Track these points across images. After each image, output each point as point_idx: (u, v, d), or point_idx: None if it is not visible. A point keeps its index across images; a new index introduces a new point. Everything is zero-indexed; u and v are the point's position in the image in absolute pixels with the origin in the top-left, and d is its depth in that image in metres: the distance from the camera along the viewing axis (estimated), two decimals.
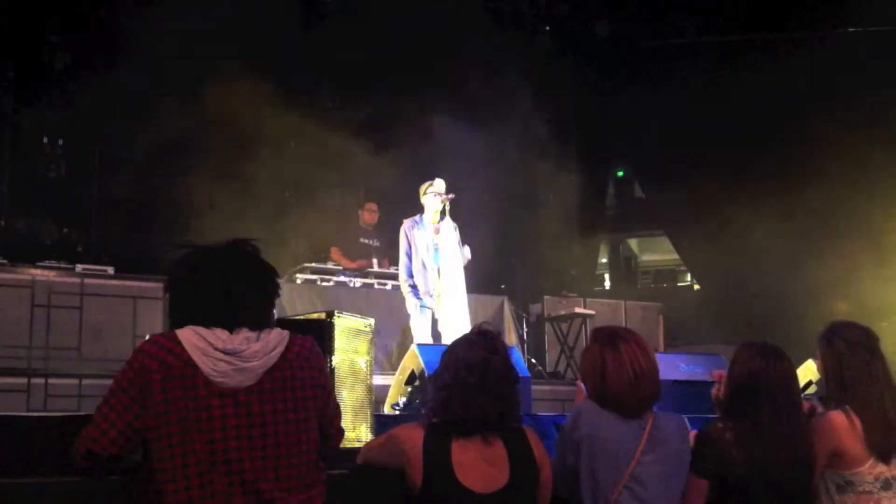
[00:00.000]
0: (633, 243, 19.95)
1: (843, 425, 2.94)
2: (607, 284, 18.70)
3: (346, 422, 4.12)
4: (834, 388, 3.07)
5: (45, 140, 9.41)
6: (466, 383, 2.51)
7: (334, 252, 8.69)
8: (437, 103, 9.65)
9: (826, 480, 2.96)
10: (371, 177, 10.90)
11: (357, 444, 4.08)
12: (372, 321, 4.97)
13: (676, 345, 10.42)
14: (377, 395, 5.39)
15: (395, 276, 7.94)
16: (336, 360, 4.46)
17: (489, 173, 11.12)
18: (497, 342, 2.62)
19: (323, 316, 4.55)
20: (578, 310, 9.21)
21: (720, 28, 11.41)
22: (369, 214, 9.06)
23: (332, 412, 2.40)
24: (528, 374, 6.62)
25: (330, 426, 2.39)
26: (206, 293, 2.23)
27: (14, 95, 9.40)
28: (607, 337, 2.79)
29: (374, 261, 8.62)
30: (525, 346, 8.94)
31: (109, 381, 2.17)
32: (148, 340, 2.19)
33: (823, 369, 3.13)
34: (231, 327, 2.19)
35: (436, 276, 6.98)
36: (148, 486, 2.12)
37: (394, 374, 6.25)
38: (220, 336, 2.16)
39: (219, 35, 9.30)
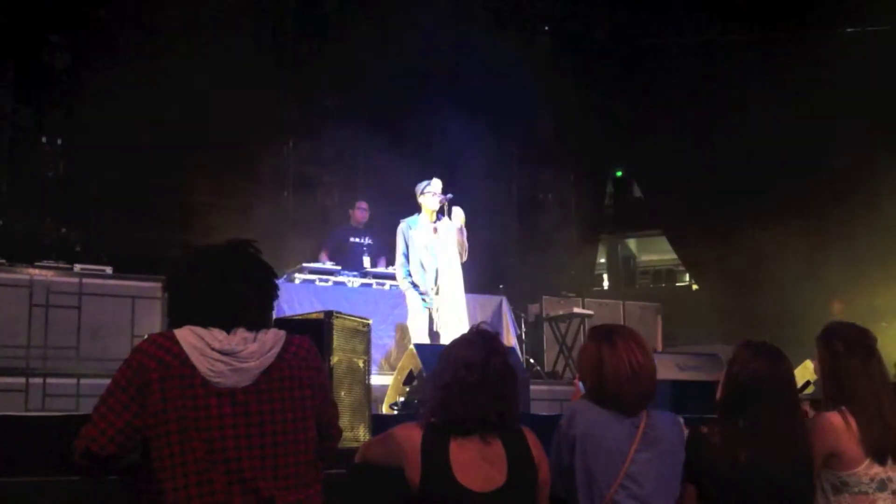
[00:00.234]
0: (632, 243, 19.97)
1: (839, 426, 2.94)
2: (606, 284, 18.73)
3: (344, 422, 4.14)
4: (830, 388, 3.07)
5: (45, 140, 9.40)
6: (465, 383, 2.51)
7: (323, 257, 8.67)
8: (436, 103, 9.65)
9: (822, 481, 2.96)
10: (371, 176, 10.92)
11: (355, 444, 4.08)
12: (370, 321, 4.98)
13: (675, 345, 10.44)
14: (375, 395, 5.41)
15: (392, 276, 7.94)
16: (334, 360, 4.46)
17: (488, 173, 11.14)
18: (496, 342, 2.62)
19: (321, 316, 4.56)
20: (577, 310, 9.21)
21: (720, 28, 11.41)
22: (360, 213, 9.05)
23: (330, 412, 2.41)
24: (526, 374, 6.62)
25: (328, 426, 2.40)
26: (204, 293, 2.24)
27: (14, 95, 9.40)
28: (604, 333, 2.80)
29: (367, 259, 8.62)
30: (523, 346, 8.95)
31: (108, 381, 2.18)
32: (146, 340, 2.20)
33: (820, 370, 3.13)
34: (229, 327, 2.20)
35: (434, 275, 7.00)
36: (147, 485, 2.13)
37: (392, 374, 6.26)
38: (217, 336, 2.17)
39: (219, 33, 9.31)
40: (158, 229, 9.30)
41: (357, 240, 8.84)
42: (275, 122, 10.40)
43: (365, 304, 7.60)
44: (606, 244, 18.39)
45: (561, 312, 9.18)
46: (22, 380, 6.17)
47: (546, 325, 9.23)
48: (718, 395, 2.99)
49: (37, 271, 6.80)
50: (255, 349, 2.20)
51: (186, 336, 2.16)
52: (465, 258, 7.08)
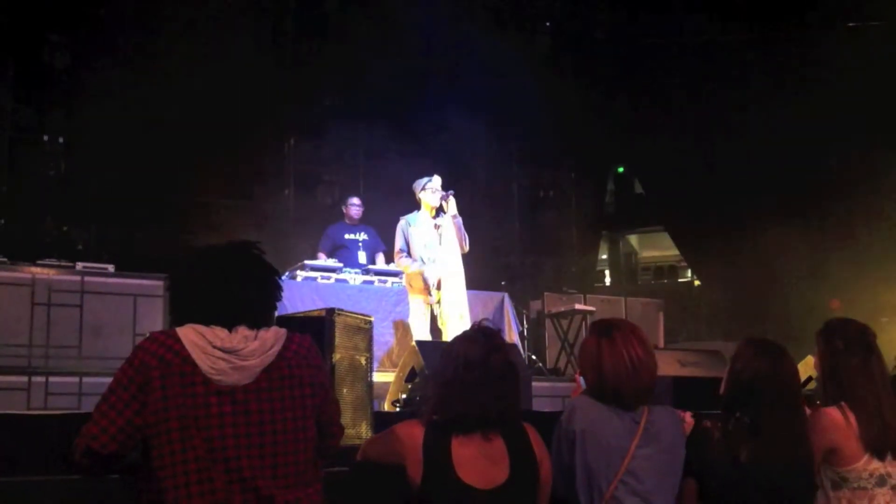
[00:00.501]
0: (634, 239, 19.95)
1: (839, 422, 2.95)
2: (607, 281, 18.73)
3: (346, 419, 4.13)
4: (830, 384, 3.07)
5: (45, 139, 9.41)
6: (467, 380, 2.51)
7: (321, 256, 8.67)
8: (436, 103, 9.65)
9: (821, 477, 2.96)
10: (371, 175, 10.93)
11: (357, 442, 4.09)
12: (372, 318, 4.99)
13: (677, 341, 10.44)
14: (377, 393, 5.41)
15: (394, 274, 7.95)
16: (336, 357, 4.47)
17: (489, 171, 11.15)
18: (498, 339, 2.62)
19: (323, 313, 4.56)
20: (578, 306, 9.19)
21: (720, 28, 11.40)
22: (353, 209, 9.04)
23: (331, 410, 2.41)
24: (528, 371, 6.62)
25: (330, 424, 2.40)
26: (207, 292, 2.25)
27: (14, 95, 9.41)
28: (603, 328, 2.79)
29: (363, 255, 8.61)
30: (525, 342, 8.95)
31: (110, 379, 2.18)
32: (148, 338, 2.21)
33: (820, 366, 3.13)
34: (230, 326, 2.21)
35: (435, 272, 6.99)
36: (148, 484, 2.13)
37: (394, 372, 6.26)
38: (218, 334, 2.18)
39: (219, 33, 9.31)
40: (160, 228, 9.30)
41: (352, 236, 8.84)
42: (275, 122, 10.40)
43: (367, 301, 7.61)
44: (608, 240, 18.40)
45: (563, 309, 9.17)
46: (24, 378, 6.16)
47: (548, 322, 9.23)
48: (721, 391, 2.99)
49: (38, 270, 6.80)
50: (256, 347, 2.20)
51: (188, 334, 2.17)
52: (466, 248, 7.04)
